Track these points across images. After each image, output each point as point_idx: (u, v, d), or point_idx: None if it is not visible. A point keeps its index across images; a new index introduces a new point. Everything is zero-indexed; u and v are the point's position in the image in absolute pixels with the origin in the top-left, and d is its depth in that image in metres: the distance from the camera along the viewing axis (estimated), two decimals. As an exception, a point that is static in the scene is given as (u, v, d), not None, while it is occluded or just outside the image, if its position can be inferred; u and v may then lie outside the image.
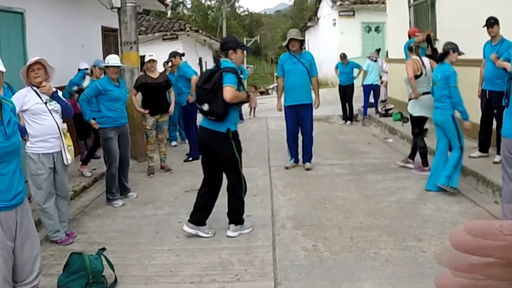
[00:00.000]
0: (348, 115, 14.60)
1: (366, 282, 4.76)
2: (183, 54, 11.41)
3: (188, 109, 10.61)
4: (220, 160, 6.15)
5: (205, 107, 5.96)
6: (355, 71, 14.67)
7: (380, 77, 15.44)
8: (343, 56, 14.67)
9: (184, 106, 10.93)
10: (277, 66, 9.99)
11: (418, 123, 8.67)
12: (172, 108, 9.65)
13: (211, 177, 6.31)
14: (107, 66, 8.03)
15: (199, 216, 6.23)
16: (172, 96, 9.79)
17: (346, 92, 14.40)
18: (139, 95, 9.50)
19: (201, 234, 6.16)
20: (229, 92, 5.84)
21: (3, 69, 3.58)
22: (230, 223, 6.27)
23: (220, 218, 6.42)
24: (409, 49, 9.05)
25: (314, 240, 5.89)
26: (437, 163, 7.39)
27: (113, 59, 8.13)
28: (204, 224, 6.24)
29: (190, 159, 10.53)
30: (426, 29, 11.18)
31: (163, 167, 9.85)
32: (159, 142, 9.71)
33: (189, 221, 6.22)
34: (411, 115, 8.74)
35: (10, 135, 3.64)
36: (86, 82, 9.66)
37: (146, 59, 9.35)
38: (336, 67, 14.95)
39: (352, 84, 14.54)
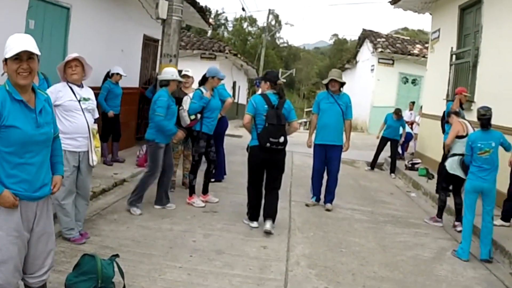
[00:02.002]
0: (390, 167, 14.45)
1: (376, 335, 4.65)
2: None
3: (218, 130, 10.45)
4: (278, 169, 7.73)
5: (281, 139, 7.45)
6: (401, 129, 14.50)
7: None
8: (398, 111, 14.47)
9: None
10: (308, 101, 10.04)
11: (449, 181, 8.60)
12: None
13: (261, 183, 7.84)
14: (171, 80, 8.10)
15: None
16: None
17: (391, 145, 14.28)
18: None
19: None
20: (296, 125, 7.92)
21: (38, 52, 3.55)
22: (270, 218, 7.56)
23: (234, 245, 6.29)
24: (456, 114, 8.97)
25: (326, 282, 5.77)
26: (470, 231, 7.26)
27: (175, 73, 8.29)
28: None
29: (213, 180, 10.25)
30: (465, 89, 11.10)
31: (185, 183, 9.72)
32: (184, 158, 9.66)
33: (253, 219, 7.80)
34: (444, 171, 8.61)
35: (41, 124, 3.62)
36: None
37: (182, 74, 9.31)
38: (385, 121, 14.64)
39: (397, 140, 14.46)
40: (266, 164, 7.64)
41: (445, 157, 9.04)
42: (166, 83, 8.08)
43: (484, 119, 7.34)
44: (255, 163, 7.74)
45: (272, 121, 7.45)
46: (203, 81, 8.64)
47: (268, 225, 7.46)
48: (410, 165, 14.00)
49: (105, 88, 10.78)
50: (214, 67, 8.94)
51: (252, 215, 7.83)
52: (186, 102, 8.51)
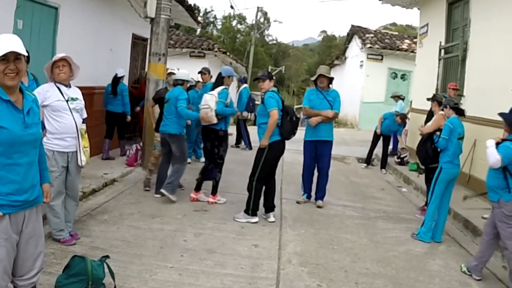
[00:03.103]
0: (380, 162, 14.36)
1: (369, 331, 4.63)
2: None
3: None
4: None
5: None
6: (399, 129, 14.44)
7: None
8: (404, 117, 14.18)
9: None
10: (298, 98, 10.09)
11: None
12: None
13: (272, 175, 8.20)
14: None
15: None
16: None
17: (383, 140, 14.06)
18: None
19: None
20: None
21: (25, 53, 3.51)
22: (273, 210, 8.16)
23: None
24: (439, 103, 9.05)
25: (319, 279, 5.76)
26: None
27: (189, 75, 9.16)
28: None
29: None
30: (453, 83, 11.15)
31: None
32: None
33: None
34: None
35: (29, 125, 3.59)
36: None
37: (168, 72, 9.37)
38: (384, 117, 14.41)
39: (390, 136, 14.31)
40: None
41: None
42: (181, 82, 8.92)
43: (460, 108, 7.42)
44: (275, 159, 8.13)
45: (294, 114, 8.08)
46: (218, 80, 8.88)
47: (273, 216, 8.12)
48: (399, 160, 14.02)
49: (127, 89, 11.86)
50: (228, 67, 9.32)
51: (256, 211, 7.97)
52: (211, 101, 8.55)
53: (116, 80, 11.70)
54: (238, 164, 8.99)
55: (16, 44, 3.49)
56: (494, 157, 5.95)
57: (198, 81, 12.52)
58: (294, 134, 8.05)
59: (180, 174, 8.88)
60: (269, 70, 56.36)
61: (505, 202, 5.87)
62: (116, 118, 11.77)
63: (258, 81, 8.12)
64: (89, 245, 6.25)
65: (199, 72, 12.35)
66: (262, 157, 7.90)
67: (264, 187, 8.12)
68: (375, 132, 14.16)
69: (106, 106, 11.86)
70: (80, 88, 6.42)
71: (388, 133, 14.06)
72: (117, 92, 11.66)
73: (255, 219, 7.88)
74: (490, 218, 6.23)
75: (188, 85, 9.24)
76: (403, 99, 16.26)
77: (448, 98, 8.97)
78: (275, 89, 8.12)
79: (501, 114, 6.26)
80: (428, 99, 10.17)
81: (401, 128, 14.63)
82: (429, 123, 8.94)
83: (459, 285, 5.93)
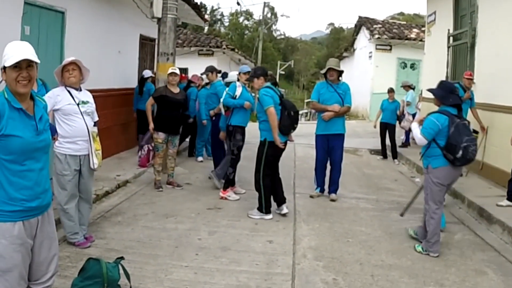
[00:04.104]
0: (391, 153, 14.30)
1: (386, 324, 4.61)
2: (219, 71, 11.45)
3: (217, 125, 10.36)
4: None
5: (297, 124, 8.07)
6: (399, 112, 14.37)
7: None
8: (390, 90, 14.38)
9: (215, 122, 10.54)
10: (308, 92, 10.11)
11: None
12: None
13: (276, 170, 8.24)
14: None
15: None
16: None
17: (389, 130, 14.09)
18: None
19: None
20: None
21: (37, 60, 3.53)
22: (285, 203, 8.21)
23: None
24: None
25: (334, 273, 5.75)
26: None
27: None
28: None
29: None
30: (464, 71, 11.10)
31: (171, 183, 9.69)
32: (170, 157, 9.66)
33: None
34: None
35: (41, 131, 3.60)
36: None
37: (168, 71, 9.31)
38: (381, 107, 14.44)
39: (394, 124, 14.24)
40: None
41: None
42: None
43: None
44: (276, 155, 8.08)
45: (293, 109, 8.03)
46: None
47: (286, 208, 8.13)
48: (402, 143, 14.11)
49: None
50: (244, 65, 9.87)
51: (269, 208, 7.98)
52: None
53: (143, 80, 12.39)
54: (250, 160, 8.98)
55: (28, 52, 3.49)
56: (417, 137, 6.58)
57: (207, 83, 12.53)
58: (294, 128, 8.03)
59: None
60: (278, 65, 56.22)
61: (432, 168, 6.47)
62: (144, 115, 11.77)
63: (251, 81, 8.22)
64: (104, 247, 6.27)
65: (203, 73, 12.31)
66: (263, 155, 7.91)
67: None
68: (380, 124, 14.16)
69: (136, 105, 12.54)
70: (91, 91, 6.44)
71: (389, 120, 14.01)
72: (144, 92, 12.24)
73: (269, 216, 7.87)
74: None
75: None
76: (413, 89, 16.22)
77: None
78: (268, 83, 8.07)
79: (430, 90, 6.88)
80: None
81: (402, 117, 14.67)
82: None
83: (475, 274, 5.88)
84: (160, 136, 9.24)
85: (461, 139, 6.18)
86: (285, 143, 8.00)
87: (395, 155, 14.02)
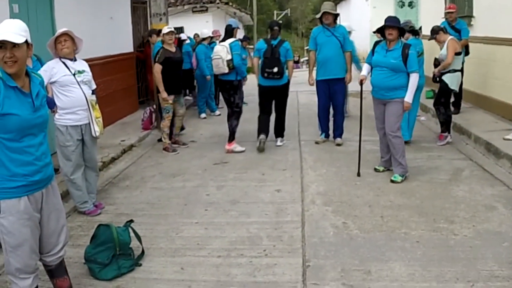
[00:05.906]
0: None
1: (396, 263, 4.62)
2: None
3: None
4: (281, 98, 9.24)
5: (275, 69, 8.75)
6: None
7: None
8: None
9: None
10: (307, 39, 10.11)
11: (449, 96, 9.01)
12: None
13: (268, 111, 9.28)
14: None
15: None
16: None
17: None
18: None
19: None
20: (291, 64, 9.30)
21: (18, 41, 3.44)
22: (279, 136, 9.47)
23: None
24: (443, 30, 9.31)
25: (344, 217, 5.79)
26: None
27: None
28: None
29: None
30: (463, 6, 10.95)
31: (177, 141, 9.69)
32: (180, 117, 9.62)
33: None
34: (444, 87, 8.68)
35: (38, 108, 3.58)
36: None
37: (165, 31, 9.09)
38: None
39: None
40: (271, 94, 9.11)
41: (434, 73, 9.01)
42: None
43: (415, 30, 8.81)
44: (261, 94, 9.26)
45: (266, 55, 8.86)
46: (228, 32, 9.26)
47: (278, 141, 9.46)
48: None
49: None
50: (234, 19, 10.16)
51: (259, 132, 9.10)
52: (223, 51, 8.77)
53: (180, 42, 12.21)
54: (255, 112, 9.03)
55: (8, 32, 3.39)
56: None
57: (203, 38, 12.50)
58: (266, 72, 8.85)
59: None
60: (274, 15, 55.53)
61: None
62: (185, 73, 11.84)
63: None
64: (114, 212, 6.33)
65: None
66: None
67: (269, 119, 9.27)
68: None
69: None
70: (87, 60, 6.41)
71: None
72: (183, 53, 12.10)
73: (262, 136, 9.06)
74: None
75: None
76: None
77: (404, 22, 8.76)
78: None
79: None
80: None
81: None
82: (442, 51, 8.83)
83: (485, 210, 5.88)
84: (170, 98, 9.15)
85: None
86: (267, 82, 9.00)
87: None
